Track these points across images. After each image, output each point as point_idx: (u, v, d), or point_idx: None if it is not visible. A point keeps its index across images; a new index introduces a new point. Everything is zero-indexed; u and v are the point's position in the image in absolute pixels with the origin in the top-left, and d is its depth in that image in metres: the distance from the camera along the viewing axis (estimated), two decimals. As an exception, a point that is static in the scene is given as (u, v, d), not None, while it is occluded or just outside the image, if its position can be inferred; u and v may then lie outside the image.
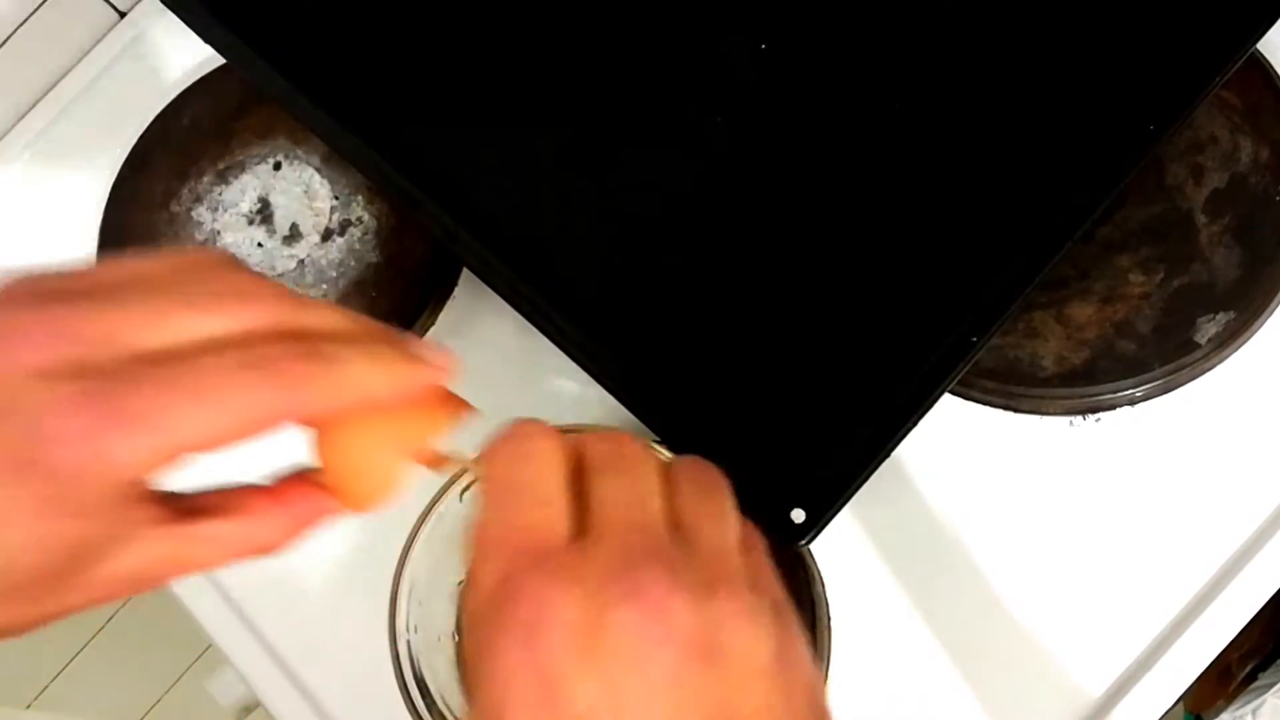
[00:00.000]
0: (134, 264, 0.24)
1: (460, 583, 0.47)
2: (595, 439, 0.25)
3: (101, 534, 0.22)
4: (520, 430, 0.25)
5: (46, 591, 0.22)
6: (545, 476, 0.24)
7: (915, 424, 0.42)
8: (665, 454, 0.43)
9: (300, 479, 0.27)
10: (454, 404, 0.28)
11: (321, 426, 0.26)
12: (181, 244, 0.58)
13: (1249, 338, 0.47)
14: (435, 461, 0.28)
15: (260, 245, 0.58)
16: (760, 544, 0.26)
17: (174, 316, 0.23)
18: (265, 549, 0.26)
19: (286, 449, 0.27)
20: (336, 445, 0.26)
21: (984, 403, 0.48)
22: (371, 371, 0.25)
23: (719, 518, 0.25)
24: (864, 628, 0.47)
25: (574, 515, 0.23)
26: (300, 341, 0.24)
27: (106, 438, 0.21)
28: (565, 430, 0.26)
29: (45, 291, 0.23)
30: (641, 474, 0.24)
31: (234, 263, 0.25)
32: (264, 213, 0.58)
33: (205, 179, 0.60)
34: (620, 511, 0.23)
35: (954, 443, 0.49)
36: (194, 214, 0.59)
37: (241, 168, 0.59)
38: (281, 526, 0.26)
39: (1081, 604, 0.46)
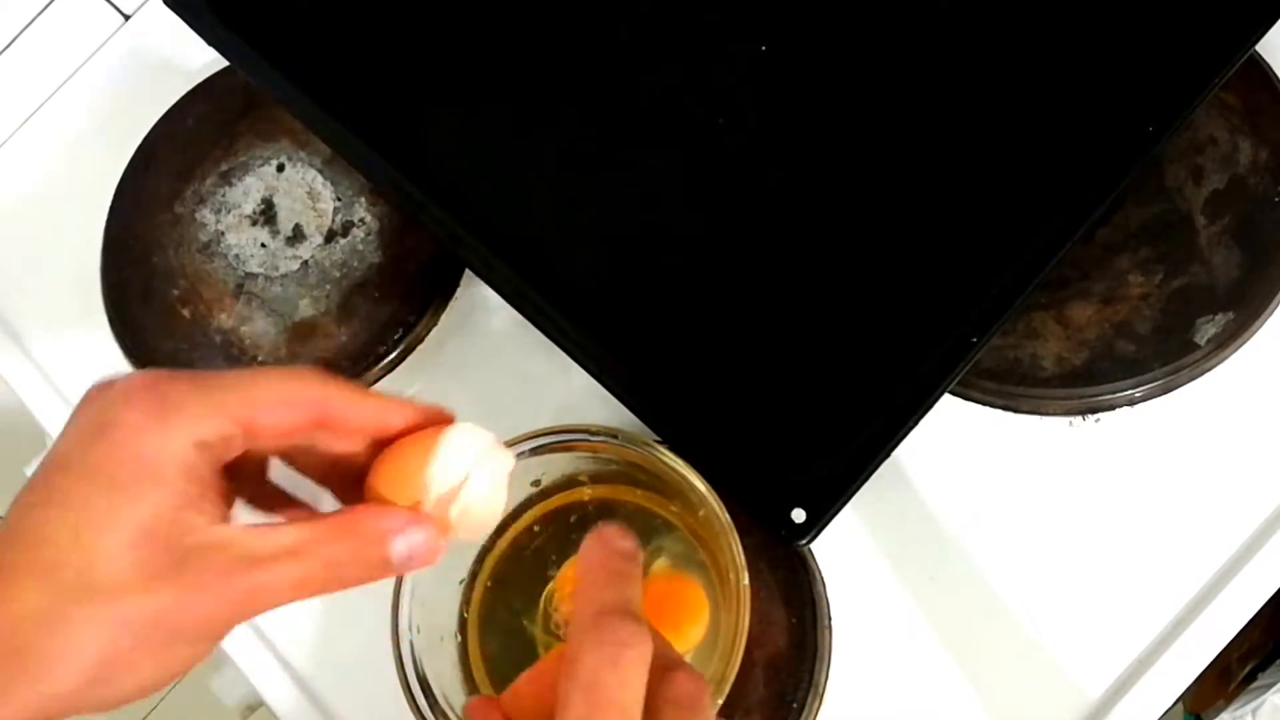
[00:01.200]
0: None
1: (462, 581, 0.47)
2: (685, 676, 0.28)
3: None
4: (616, 634, 0.27)
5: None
6: (629, 688, 0.26)
7: (915, 424, 0.42)
8: (668, 457, 0.43)
9: None
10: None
11: None
12: (185, 244, 0.59)
13: (1248, 338, 0.47)
14: None
15: (264, 246, 0.58)
16: None
17: None
18: None
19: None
20: None
21: (984, 403, 0.48)
22: None
23: None
24: (864, 627, 0.47)
25: None
26: None
27: None
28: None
29: None
30: None
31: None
32: (267, 214, 0.59)
33: (209, 180, 0.60)
34: None
35: (954, 443, 0.49)
36: (198, 215, 0.59)
37: (245, 169, 0.60)
38: None
39: (1081, 604, 0.46)
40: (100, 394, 0.28)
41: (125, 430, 0.27)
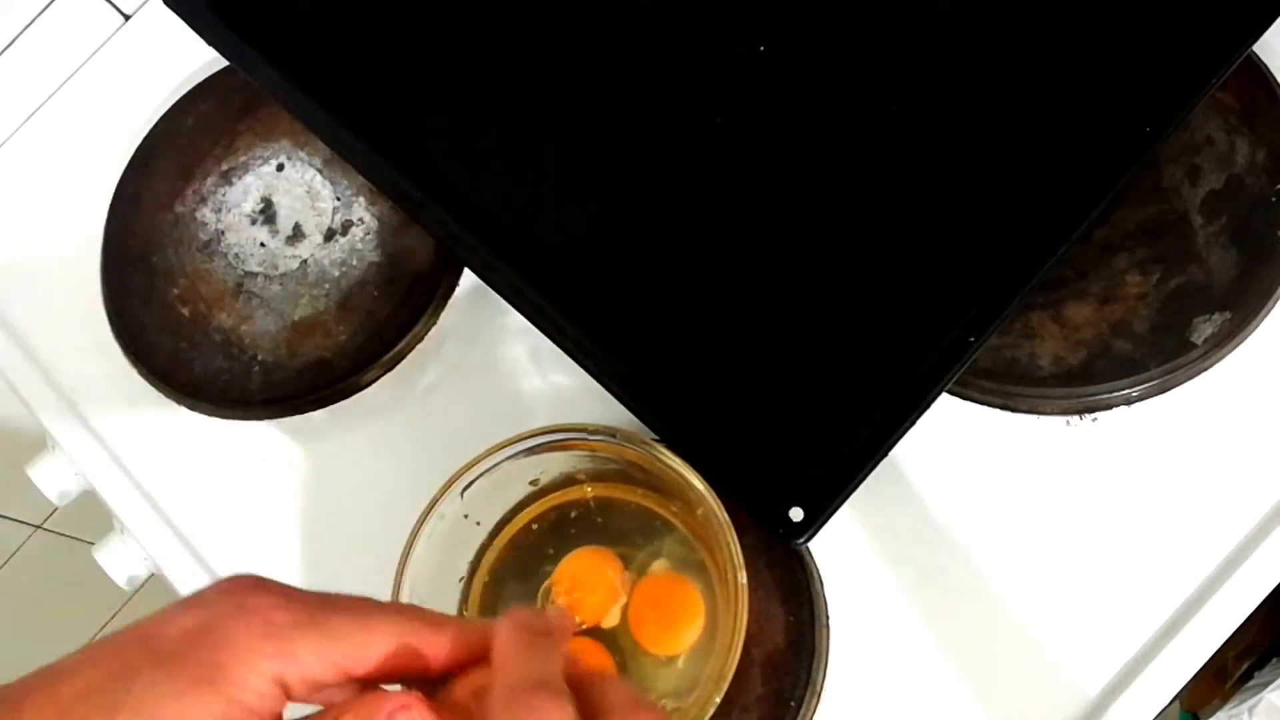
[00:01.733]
0: None
1: (461, 579, 0.47)
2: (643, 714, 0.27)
3: None
4: (532, 710, 0.25)
5: None
6: None
7: (913, 423, 0.42)
8: (666, 455, 0.43)
9: None
10: None
11: None
12: (185, 243, 0.59)
13: (1245, 338, 0.47)
14: None
15: (263, 245, 0.58)
16: None
17: None
18: None
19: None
20: None
21: (981, 402, 0.49)
22: None
23: None
24: (862, 626, 0.48)
25: None
26: None
27: None
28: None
29: None
30: None
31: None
32: (267, 213, 0.59)
33: (209, 180, 0.60)
34: None
35: (951, 442, 0.49)
36: (198, 214, 0.59)
37: (245, 169, 0.60)
38: None
39: (1078, 603, 0.46)
40: (226, 595, 0.28)
41: (221, 649, 0.27)
